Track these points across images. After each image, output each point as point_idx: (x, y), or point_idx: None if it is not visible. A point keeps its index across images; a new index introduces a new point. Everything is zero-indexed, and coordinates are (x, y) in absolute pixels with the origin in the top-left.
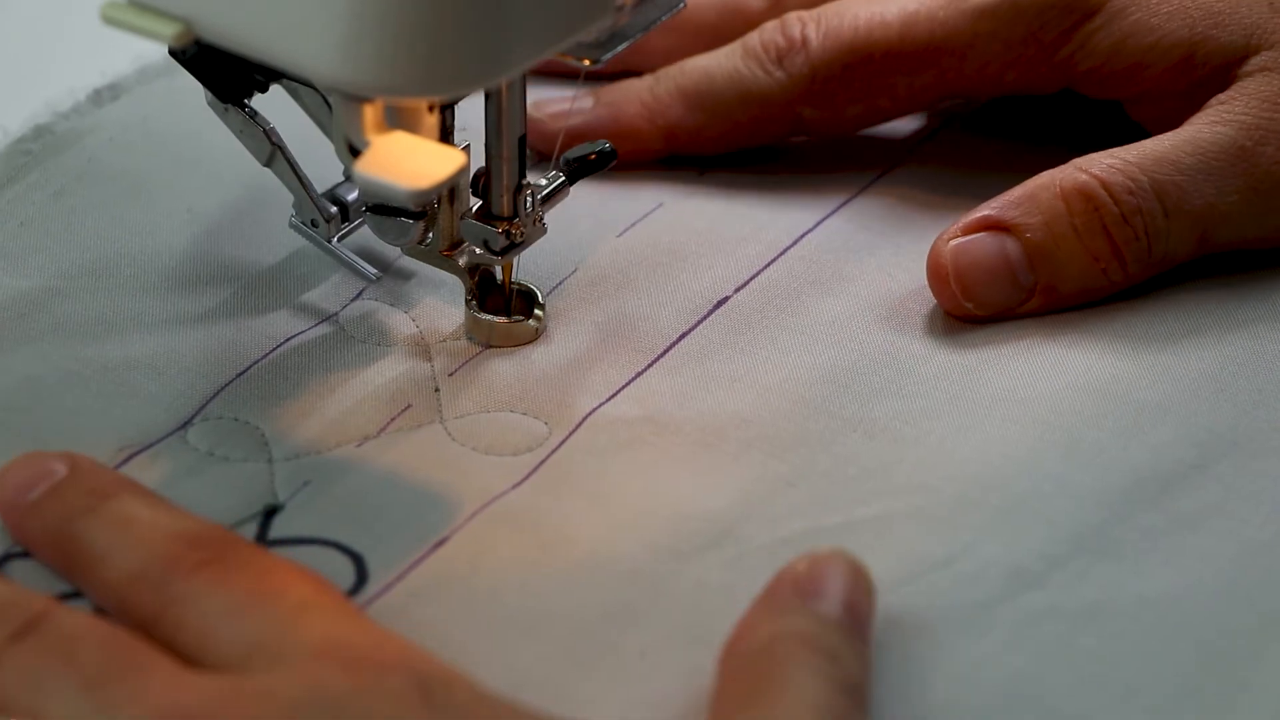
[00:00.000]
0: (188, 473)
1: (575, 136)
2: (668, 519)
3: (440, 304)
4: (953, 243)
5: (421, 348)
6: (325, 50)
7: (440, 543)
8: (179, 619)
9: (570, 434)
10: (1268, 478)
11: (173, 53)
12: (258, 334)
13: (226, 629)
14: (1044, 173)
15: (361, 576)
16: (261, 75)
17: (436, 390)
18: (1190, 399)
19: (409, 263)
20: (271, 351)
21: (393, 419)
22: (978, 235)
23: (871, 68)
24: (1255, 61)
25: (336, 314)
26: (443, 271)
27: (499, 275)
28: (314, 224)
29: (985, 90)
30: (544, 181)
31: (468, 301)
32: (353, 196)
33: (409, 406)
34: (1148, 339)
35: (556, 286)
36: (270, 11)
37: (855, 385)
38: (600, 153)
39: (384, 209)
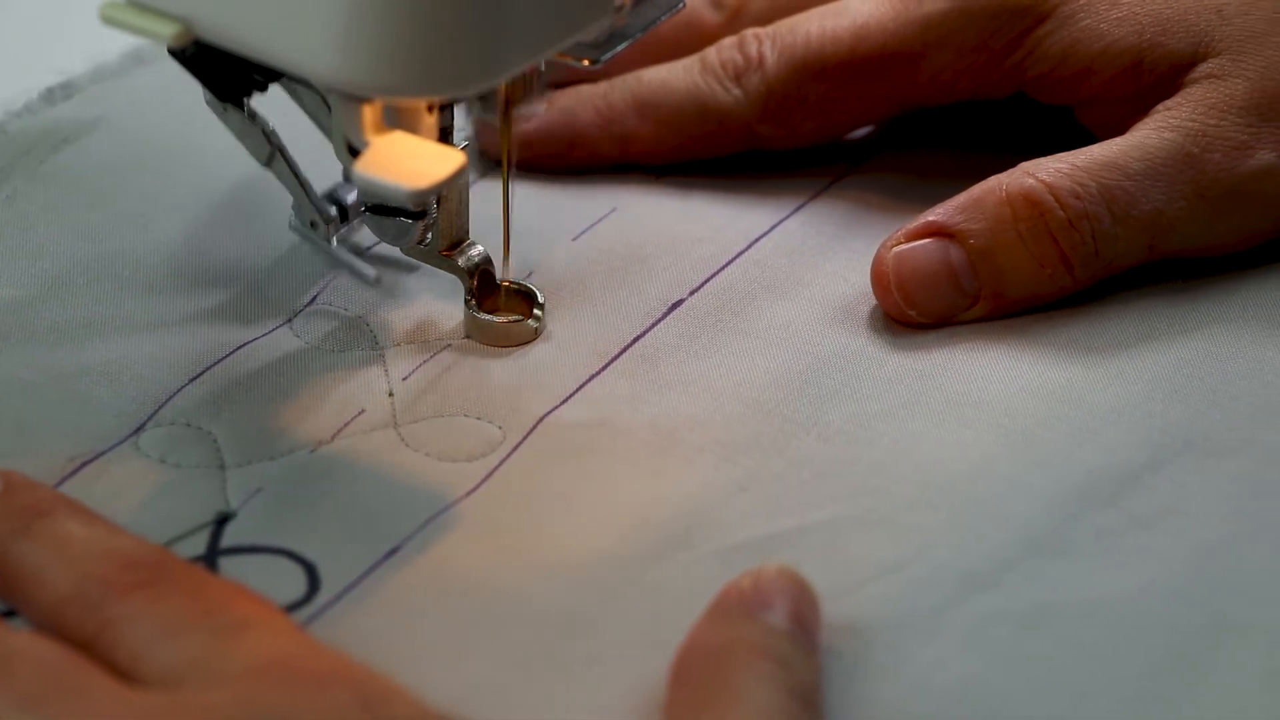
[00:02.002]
0: (139, 480)
1: (529, 141)
2: (620, 525)
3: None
4: (896, 249)
5: (375, 352)
6: (324, 50)
7: (392, 551)
8: (115, 639)
9: (524, 439)
10: (1222, 477)
11: (172, 51)
12: (211, 340)
13: (163, 648)
14: (991, 178)
15: (314, 585)
16: (261, 75)
17: (390, 395)
18: (1144, 401)
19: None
20: (225, 357)
21: (346, 424)
22: (921, 242)
23: (826, 83)
24: (1202, 68)
25: (290, 319)
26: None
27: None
28: (313, 225)
29: (939, 98)
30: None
31: (467, 301)
32: (352, 198)
33: (362, 411)
34: (1101, 342)
35: (511, 279)
36: (269, 11)
37: (809, 389)
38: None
39: (383, 209)
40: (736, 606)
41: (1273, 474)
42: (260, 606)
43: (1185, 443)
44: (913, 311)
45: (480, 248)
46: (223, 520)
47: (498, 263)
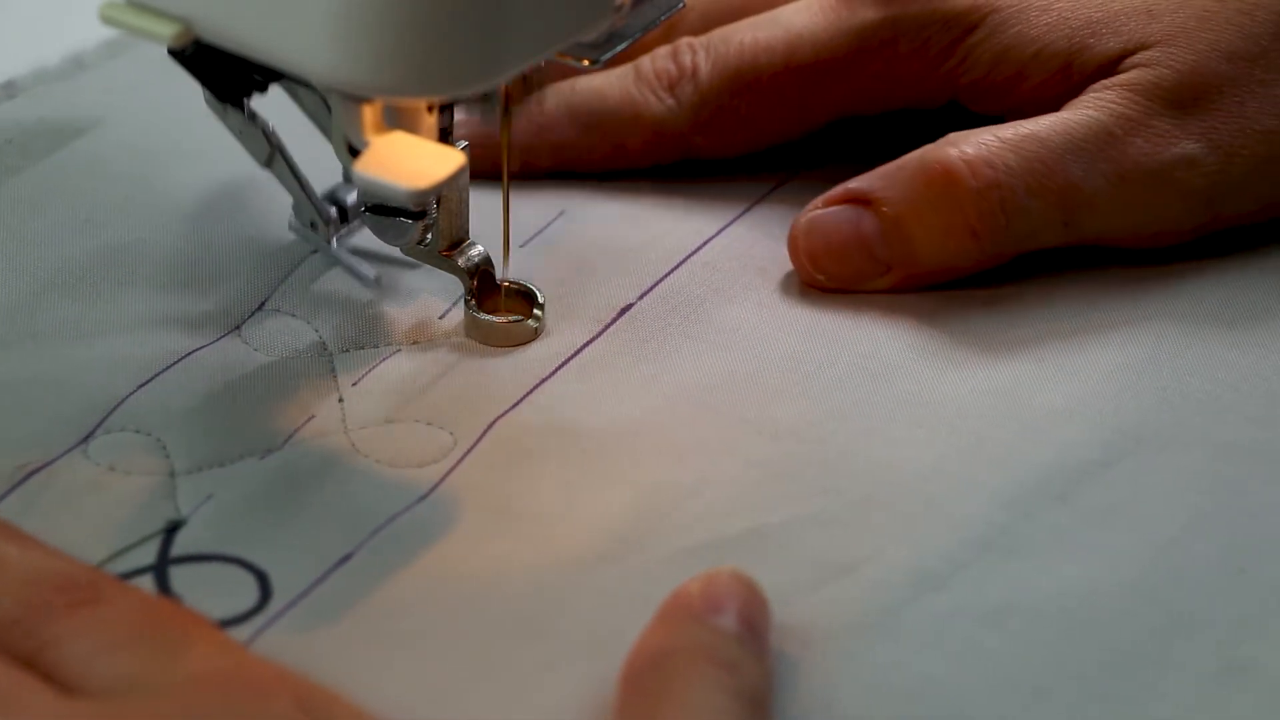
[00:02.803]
0: (88, 488)
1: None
2: (570, 530)
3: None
4: (810, 214)
5: (324, 358)
6: (324, 50)
7: (345, 559)
8: (56, 659)
9: (475, 444)
10: (1174, 474)
11: (172, 52)
12: (159, 347)
13: (104, 664)
14: (919, 149)
15: (265, 594)
16: (261, 75)
17: (340, 400)
18: (1094, 398)
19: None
20: (174, 363)
21: (296, 430)
22: (836, 208)
23: (759, 93)
24: (1134, 59)
25: (239, 325)
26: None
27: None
28: (313, 226)
29: (873, 107)
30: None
31: (467, 302)
32: (351, 199)
33: (312, 417)
34: (1051, 341)
35: (461, 297)
36: (269, 11)
37: (758, 389)
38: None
39: (383, 209)
40: (686, 611)
41: (1224, 469)
42: (199, 622)
43: (1136, 440)
44: (821, 276)
45: (480, 248)
46: (173, 528)
47: (498, 263)
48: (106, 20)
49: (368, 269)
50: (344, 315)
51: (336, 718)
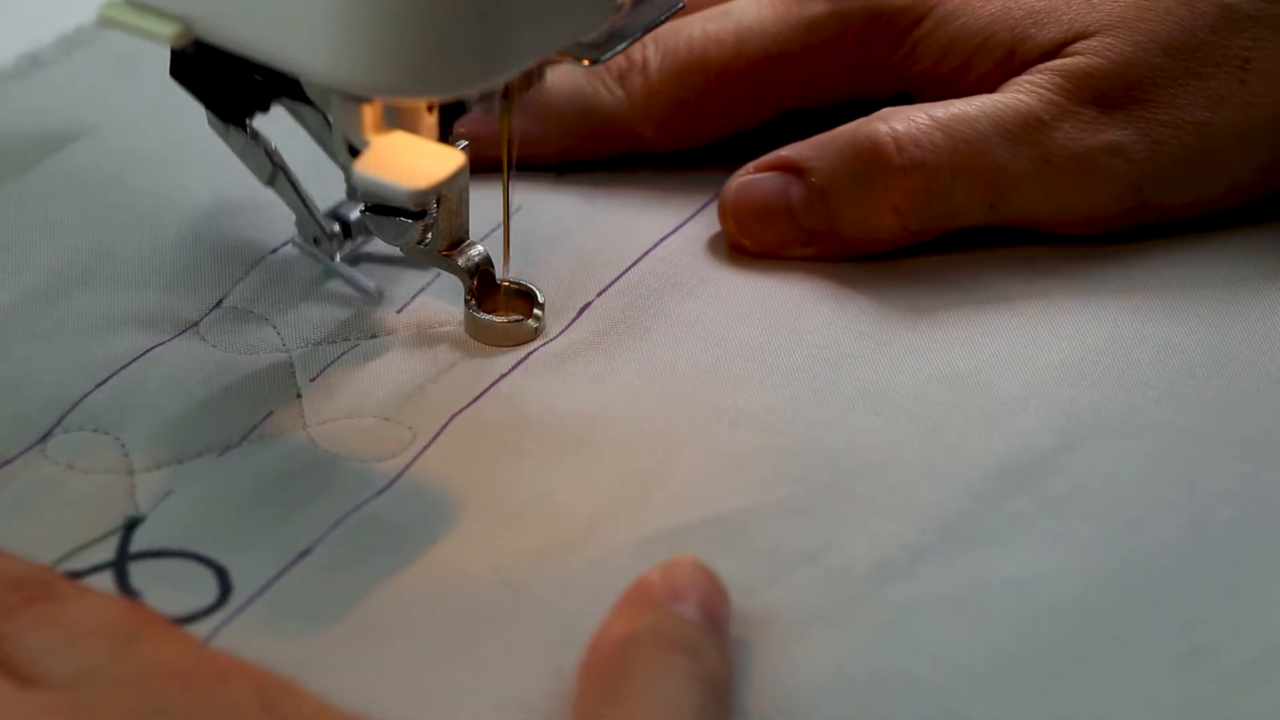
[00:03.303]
0: (47, 487)
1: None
2: (532, 521)
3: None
4: (741, 178)
5: (282, 354)
6: (324, 50)
7: (304, 553)
8: (9, 654)
9: (434, 439)
10: (1129, 458)
11: (173, 72)
12: (117, 345)
13: (59, 659)
14: (853, 122)
15: (225, 589)
16: (261, 77)
17: (299, 396)
18: (1052, 387)
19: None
20: (131, 362)
21: (255, 426)
22: (766, 174)
23: (709, 86)
24: (1073, 47)
25: (197, 323)
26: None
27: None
28: (316, 242)
29: (823, 99)
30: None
31: (467, 302)
32: (354, 215)
33: (271, 413)
34: (1008, 330)
35: (419, 293)
36: (269, 12)
37: (718, 378)
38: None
39: (383, 209)
40: (647, 598)
41: (1181, 455)
42: (154, 617)
43: (1094, 426)
44: (746, 240)
45: (480, 248)
46: (132, 525)
47: (498, 263)
48: (106, 20)
49: (370, 283)
50: (302, 312)
51: (295, 707)
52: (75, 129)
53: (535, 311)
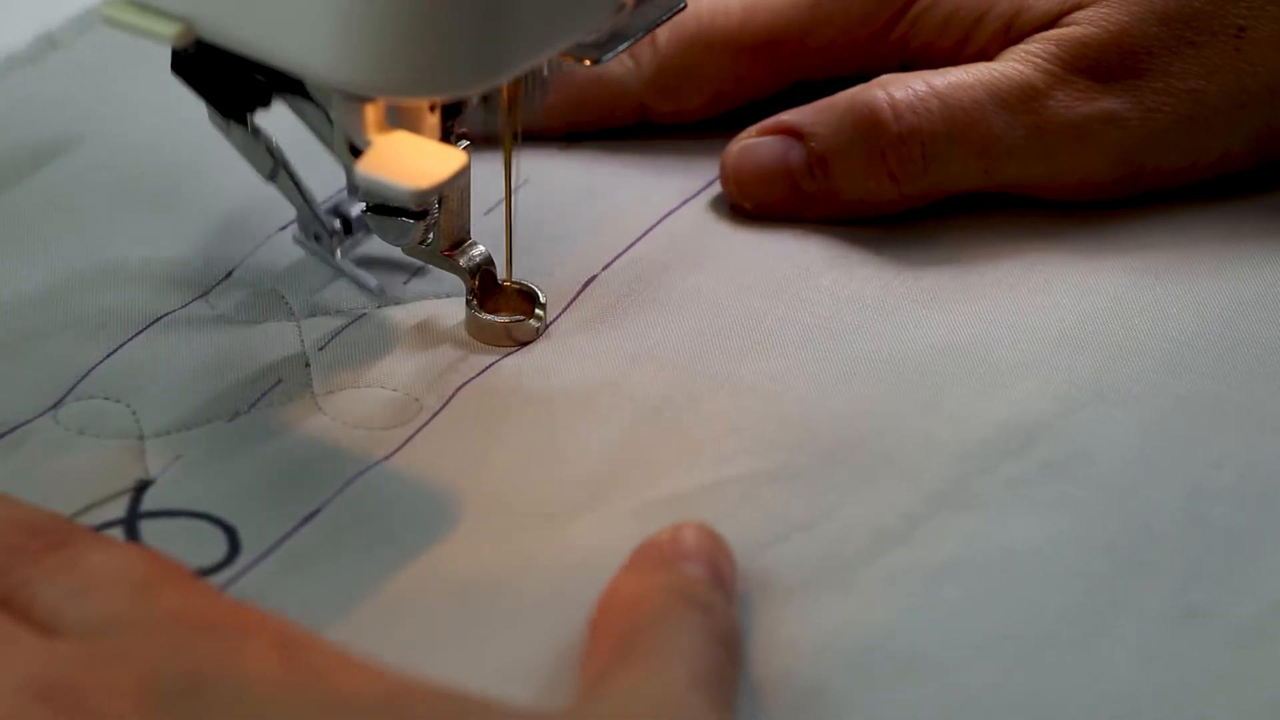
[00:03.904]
0: (58, 451)
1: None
2: (535, 486)
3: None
4: (743, 141)
5: (291, 323)
6: (326, 50)
7: (312, 515)
8: (29, 599)
9: (441, 408)
10: (1129, 426)
11: (174, 67)
12: (127, 314)
13: (79, 605)
14: (852, 88)
15: (234, 548)
16: (263, 76)
17: (307, 365)
18: (1051, 355)
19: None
20: (141, 331)
21: (263, 394)
22: (768, 138)
23: (714, 57)
24: (1070, 17)
25: (206, 292)
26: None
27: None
28: (317, 238)
29: (826, 72)
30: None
31: (468, 301)
32: (355, 211)
33: (279, 381)
34: (1008, 299)
35: (425, 265)
36: (271, 11)
37: (720, 346)
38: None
39: (385, 209)
40: (656, 558)
41: (1180, 422)
42: (172, 566)
43: (1093, 394)
44: (747, 204)
45: (482, 248)
46: (142, 487)
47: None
48: (107, 20)
49: (372, 279)
50: (311, 282)
51: (315, 656)
52: (84, 108)
53: (537, 311)
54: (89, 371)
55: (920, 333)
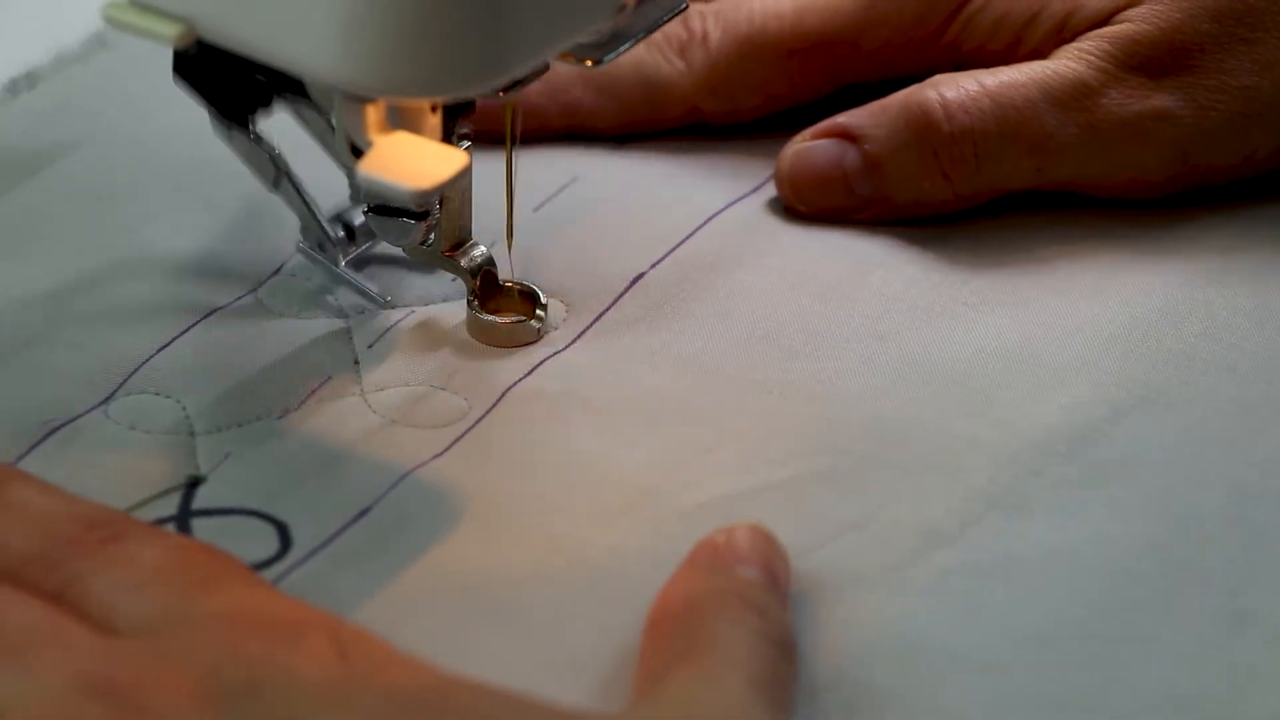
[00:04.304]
0: (109, 446)
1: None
2: (586, 486)
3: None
4: (798, 145)
5: (340, 321)
6: (327, 50)
7: (364, 512)
8: (83, 594)
9: (490, 409)
10: (1178, 429)
11: (176, 69)
12: (177, 309)
13: (134, 600)
14: (905, 89)
15: (285, 543)
16: (263, 77)
17: (356, 363)
18: (1101, 358)
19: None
20: (191, 326)
21: (313, 391)
22: (822, 141)
23: (766, 59)
24: (1123, 14)
25: (256, 288)
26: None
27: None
28: (320, 247)
29: (878, 74)
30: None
31: (469, 302)
32: (359, 220)
33: (329, 379)
34: (1056, 302)
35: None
36: (273, 11)
37: (768, 349)
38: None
39: (386, 209)
40: (711, 560)
41: (1228, 425)
42: (228, 560)
43: (1142, 398)
44: (803, 207)
45: (483, 248)
46: (194, 484)
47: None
48: (109, 20)
49: (374, 288)
50: (361, 279)
51: (371, 653)
52: (121, 108)
53: (538, 312)
54: (139, 366)
55: (969, 335)
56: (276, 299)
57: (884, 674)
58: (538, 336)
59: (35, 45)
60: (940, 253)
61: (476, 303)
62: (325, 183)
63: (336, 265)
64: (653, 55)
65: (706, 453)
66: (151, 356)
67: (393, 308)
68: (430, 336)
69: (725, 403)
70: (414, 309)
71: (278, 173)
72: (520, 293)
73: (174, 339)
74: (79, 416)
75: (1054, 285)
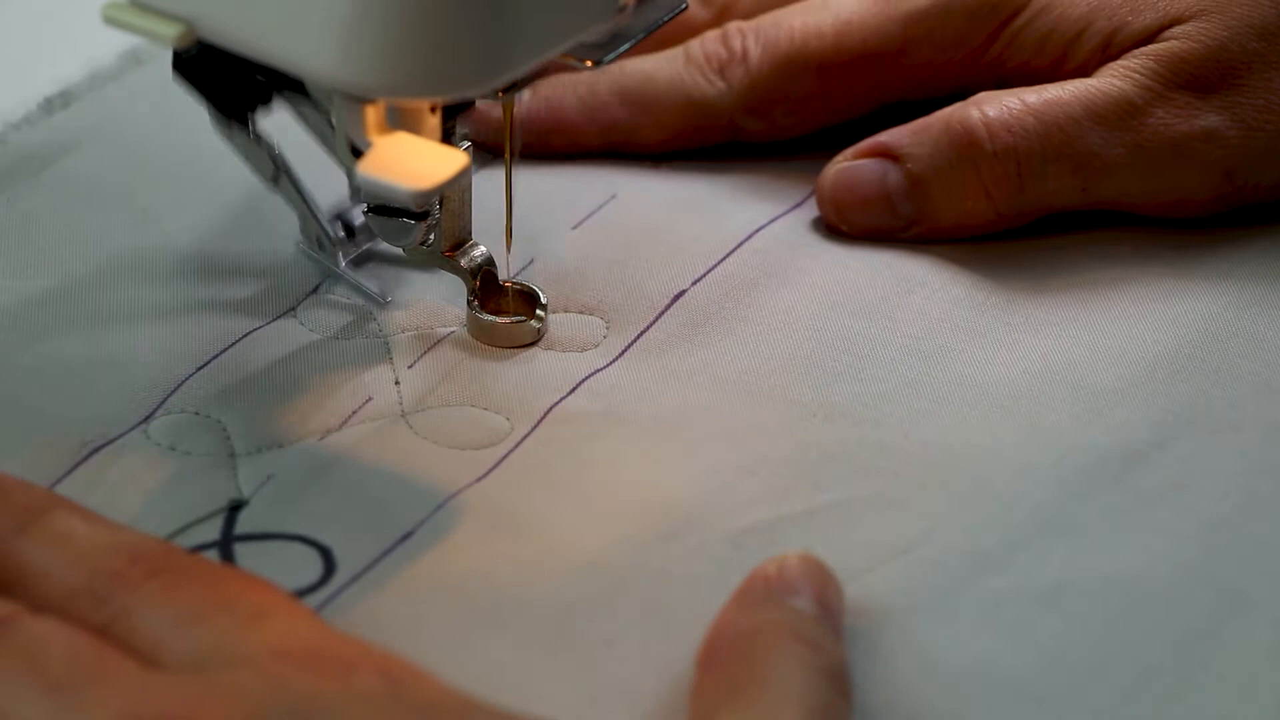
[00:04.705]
0: (150, 468)
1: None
2: (630, 510)
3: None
4: (840, 165)
5: (380, 341)
6: (327, 50)
7: (406, 536)
8: (130, 629)
9: (532, 429)
10: (1225, 453)
11: (176, 67)
12: (216, 328)
13: (182, 635)
14: (947, 107)
15: (329, 569)
16: (264, 76)
17: (396, 383)
18: (1147, 380)
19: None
20: (231, 345)
21: (354, 412)
22: (864, 161)
23: (808, 78)
24: (1168, 32)
25: (294, 308)
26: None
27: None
28: (320, 245)
29: (920, 93)
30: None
31: (469, 302)
32: (359, 218)
33: (369, 400)
34: (1101, 323)
35: (513, 279)
36: (273, 12)
37: (812, 371)
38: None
39: (385, 210)
40: (763, 592)
41: (1275, 450)
42: (275, 593)
43: (1189, 421)
44: (845, 226)
45: (483, 249)
46: (236, 507)
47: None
48: (109, 20)
49: (374, 287)
50: (400, 298)
51: (422, 691)
52: (169, 129)
53: (538, 312)
54: (179, 386)
55: (1014, 356)
56: (314, 319)
57: (935, 701)
58: (537, 336)
59: (69, 64)
60: (983, 272)
61: (476, 303)
62: (325, 181)
63: (336, 264)
64: (692, 75)
65: (751, 475)
66: (190, 376)
67: (388, 303)
68: (471, 355)
69: (769, 424)
70: (453, 330)
71: (277, 170)
72: (520, 293)
73: (213, 358)
74: (119, 436)
75: (1097, 305)
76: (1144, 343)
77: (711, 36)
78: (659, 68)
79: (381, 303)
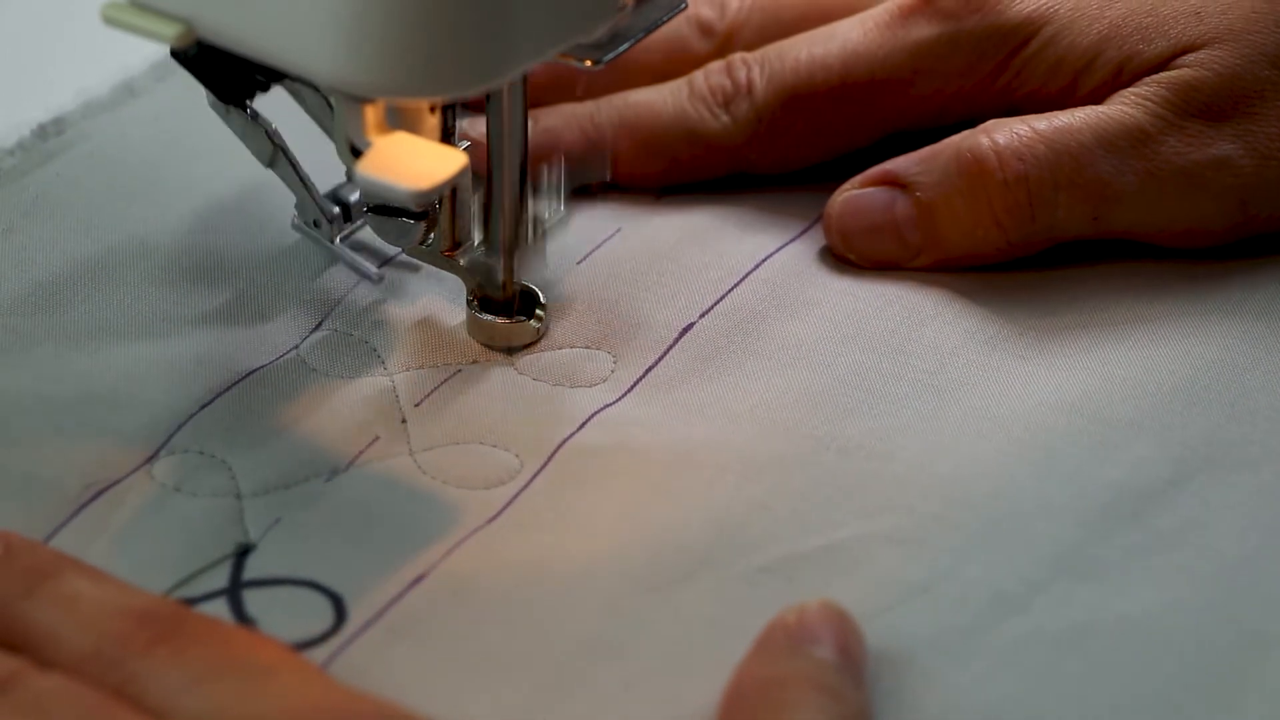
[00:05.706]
0: (155, 510)
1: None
2: (644, 550)
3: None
4: (847, 193)
5: (385, 378)
6: (326, 50)
7: (418, 579)
8: (141, 693)
9: (543, 466)
10: (1244, 491)
11: (174, 53)
12: (219, 367)
13: (192, 698)
14: (957, 135)
15: (340, 616)
16: (263, 75)
17: (403, 422)
18: (1163, 414)
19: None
20: (235, 384)
21: (361, 452)
22: (871, 189)
23: (815, 109)
24: (1180, 60)
25: (298, 345)
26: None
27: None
28: (316, 224)
29: (929, 121)
30: (546, 215)
31: (469, 302)
32: (354, 197)
33: (377, 439)
34: (1116, 355)
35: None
36: (272, 12)
37: (826, 405)
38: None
39: (385, 209)
40: (784, 642)
41: None
42: (284, 652)
43: (1206, 458)
44: (852, 255)
45: (483, 249)
46: (244, 552)
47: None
48: (109, 21)
49: (371, 266)
50: (403, 335)
51: None
52: (159, 154)
53: (537, 312)
54: (182, 424)
55: (1028, 389)
56: (318, 356)
57: None
58: (536, 337)
59: (63, 92)
60: (993, 302)
61: (476, 303)
62: (321, 162)
63: (331, 242)
64: (697, 109)
65: (764, 511)
66: (194, 415)
67: (381, 280)
68: (479, 392)
69: (784, 460)
70: (460, 367)
71: (274, 150)
72: (519, 292)
73: (217, 396)
74: (124, 478)
75: (1111, 336)
76: (1158, 373)
77: (716, 69)
78: (662, 100)
79: (375, 280)
